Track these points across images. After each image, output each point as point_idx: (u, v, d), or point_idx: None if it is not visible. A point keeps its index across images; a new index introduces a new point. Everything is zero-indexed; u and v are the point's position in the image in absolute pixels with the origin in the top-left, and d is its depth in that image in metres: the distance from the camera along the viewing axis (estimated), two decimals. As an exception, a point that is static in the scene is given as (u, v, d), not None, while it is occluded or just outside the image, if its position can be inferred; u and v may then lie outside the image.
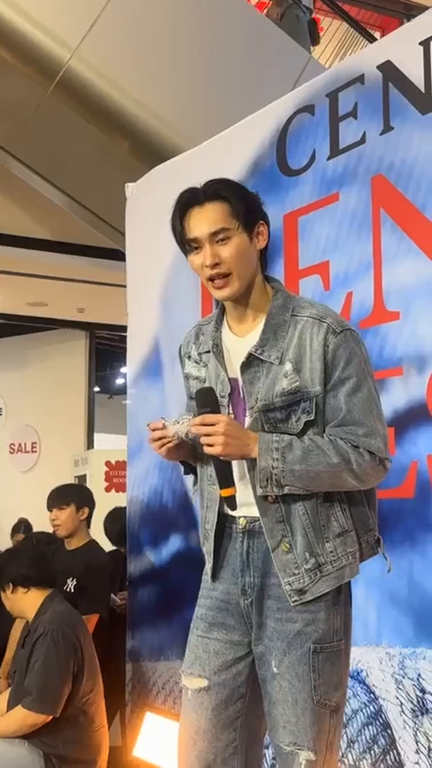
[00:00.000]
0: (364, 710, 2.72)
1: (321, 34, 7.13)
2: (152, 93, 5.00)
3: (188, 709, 2.11)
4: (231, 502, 2.02)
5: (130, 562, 3.86)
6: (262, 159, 3.27)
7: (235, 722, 2.08)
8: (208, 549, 2.13)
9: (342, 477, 1.99)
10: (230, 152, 3.40)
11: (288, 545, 2.01)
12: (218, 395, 2.07)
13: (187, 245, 2.08)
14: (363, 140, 2.88)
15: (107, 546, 4.67)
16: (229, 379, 2.09)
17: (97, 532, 4.61)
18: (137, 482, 3.82)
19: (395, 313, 2.73)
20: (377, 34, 8.18)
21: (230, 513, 2.08)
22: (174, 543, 3.59)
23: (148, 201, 3.79)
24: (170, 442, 2.06)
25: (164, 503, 3.66)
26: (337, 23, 7.93)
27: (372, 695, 2.70)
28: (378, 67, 2.82)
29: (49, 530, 4.56)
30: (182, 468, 2.26)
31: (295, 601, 1.99)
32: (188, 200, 2.06)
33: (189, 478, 2.29)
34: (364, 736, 2.71)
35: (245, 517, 2.07)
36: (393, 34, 3.26)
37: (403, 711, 2.60)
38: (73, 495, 4.31)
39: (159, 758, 3.35)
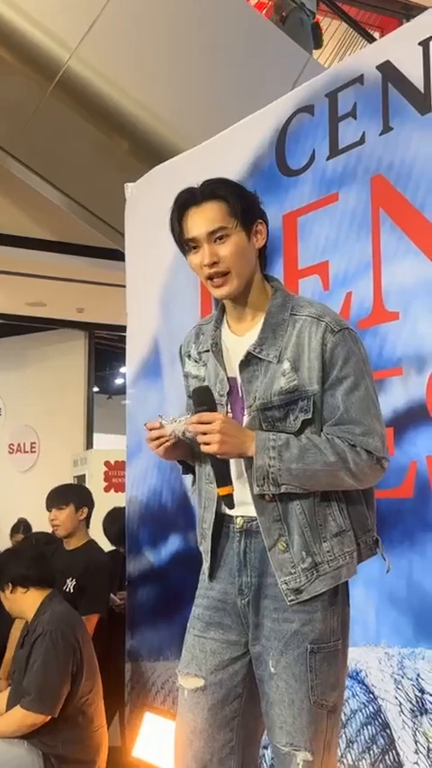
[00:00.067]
0: (363, 710, 2.72)
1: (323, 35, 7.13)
2: (152, 93, 5.00)
3: (184, 708, 2.10)
4: (229, 500, 2.02)
5: (129, 562, 3.86)
6: (261, 159, 3.27)
7: (231, 722, 2.07)
8: (205, 548, 2.13)
9: (339, 476, 1.98)
10: (230, 152, 3.40)
11: (285, 544, 2.01)
12: (217, 394, 2.08)
13: (186, 244, 2.08)
14: (362, 140, 2.88)
15: (106, 546, 4.68)
16: (227, 378, 2.09)
17: (96, 532, 4.61)
18: (136, 482, 3.82)
19: (394, 313, 2.73)
20: (376, 34, 8.17)
21: (228, 512, 2.08)
22: (173, 543, 3.59)
23: (148, 202, 3.79)
24: (167, 441, 2.06)
25: (163, 503, 3.66)
26: (336, 23, 7.93)
27: (371, 695, 2.70)
28: (377, 68, 2.82)
29: (49, 530, 4.56)
30: (180, 468, 2.26)
31: (291, 600, 1.99)
32: (186, 201, 2.07)
33: (188, 478, 2.29)
34: (363, 737, 2.71)
35: (242, 516, 2.07)
36: (393, 34, 3.26)
37: (402, 711, 2.60)
38: (72, 495, 4.31)
39: (159, 758, 3.35)
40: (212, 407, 2.02)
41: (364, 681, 2.72)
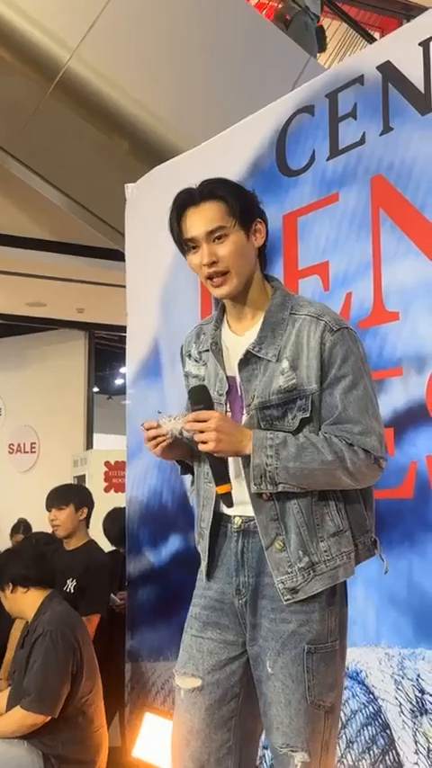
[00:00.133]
0: (363, 711, 2.72)
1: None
2: (152, 93, 5.00)
3: (181, 709, 2.10)
4: (228, 499, 2.02)
5: (129, 562, 3.86)
6: (261, 160, 3.27)
7: (229, 722, 2.07)
8: (203, 547, 2.13)
9: (336, 475, 1.98)
10: (230, 152, 3.40)
11: (282, 543, 2.00)
12: (216, 393, 2.08)
13: (185, 245, 2.09)
14: (362, 141, 2.88)
15: (106, 546, 4.67)
16: (227, 377, 2.09)
17: (96, 533, 4.60)
18: (136, 482, 3.82)
19: (395, 313, 2.73)
20: (377, 35, 8.17)
21: (226, 512, 2.08)
22: (173, 543, 3.59)
23: (148, 202, 3.79)
24: (164, 440, 2.06)
25: (163, 503, 3.66)
26: (336, 24, 7.93)
27: (371, 696, 2.70)
28: (378, 68, 2.82)
29: (49, 530, 4.56)
30: (179, 468, 2.26)
31: (288, 599, 1.99)
32: (184, 201, 2.07)
33: (187, 478, 2.29)
34: (363, 737, 2.71)
35: (240, 516, 2.06)
36: (393, 35, 3.26)
37: (402, 712, 2.60)
38: (72, 496, 4.31)
39: (159, 758, 3.35)
40: (209, 406, 2.02)
41: (365, 681, 2.72)
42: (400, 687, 2.62)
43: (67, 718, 3.23)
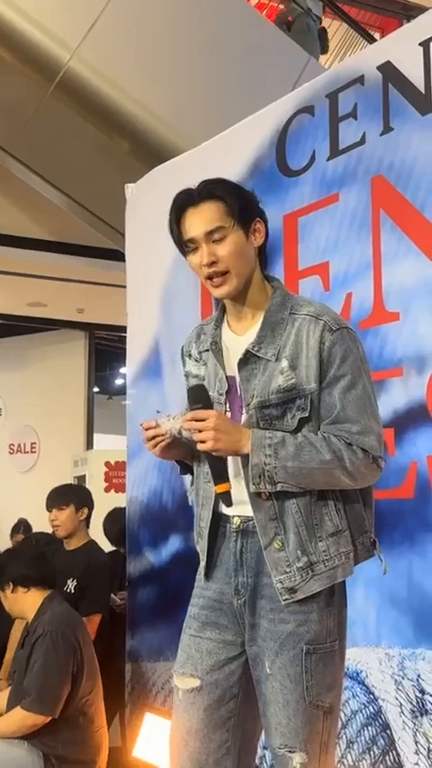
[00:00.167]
0: (363, 711, 2.72)
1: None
2: (152, 93, 5.00)
3: (179, 709, 2.10)
4: (227, 498, 2.02)
5: (129, 563, 3.86)
6: (262, 160, 3.27)
7: (227, 722, 2.06)
8: (202, 547, 2.13)
9: (335, 474, 1.98)
10: (230, 152, 3.40)
11: (280, 543, 2.00)
12: (216, 392, 2.08)
13: (185, 245, 2.09)
14: (362, 141, 2.88)
15: (107, 546, 4.67)
16: (226, 376, 2.10)
17: (96, 533, 4.60)
18: (136, 482, 3.82)
19: (395, 314, 2.73)
20: (377, 35, 8.18)
21: (225, 511, 2.08)
22: (173, 544, 3.59)
23: (148, 202, 3.79)
24: (163, 440, 2.06)
25: (163, 503, 3.66)
26: (336, 24, 7.93)
27: (371, 696, 2.70)
28: (378, 68, 2.82)
29: (49, 530, 4.56)
30: (178, 469, 2.26)
31: (286, 599, 1.98)
32: (183, 202, 2.07)
33: (187, 478, 2.29)
34: (363, 737, 2.71)
35: (239, 516, 2.06)
36: (393, 35, 3.26)
37: (403, 712, 2.60)
38: (72, 496, 4.31)
39: (159, 759, 3.35)
40: (207, 405, 2.03)
41: (365, 681, 2.72)
42: (400, 687, 2.62)
43: (68, 718, 3.23)
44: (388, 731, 2.63)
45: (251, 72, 5.17)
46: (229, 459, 2.04)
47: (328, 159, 3.00)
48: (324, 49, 6.78)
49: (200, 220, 2.04)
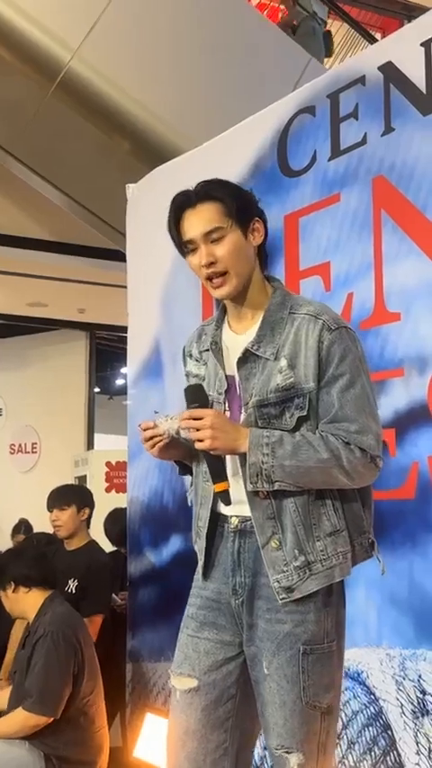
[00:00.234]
0: (364, 712, 2.72)
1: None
2: (152, 93, 5.00)
3: (177, 709, 2.09)
4: (225, 497, 2.02)
5: (130, 563, 3.86)
6: (263, 160, 3.27)
7: (225, 723, 2.06)
8: (200, 546, 2.13)
9: (333, 473, 1.97)
10: (231, 153, 3.40)
11: (278, 542, 2.00)
12: (215, 392, 2.09)
13: (184, 247, 2.09)
14: (364, 141, 2.88)
15: (107, 547, 4.67)
16: (226, 376, 2.10)
17: (97, 533, 4.60)
18: (137, 483, 3.82)
19: (396, 314, 2.73)
20: (378, 35, 8.18)
21: (223, 511, 2.08)
22: (174, 544, 3.59)
23: (149, 202, 3.79)
24: (161, 440, 2.06)
25: (164, 503, 3.66)
26: (337, 24, 7.93)
27: (372, 696, 2.70)
28: (379, 68, 2.82)
29: (50, 530, 4.56)
30: (177, 469, 2.26)
31: (283, 598, 1.98)
32: (181, 203, 2.08)
33: (187, 479, 2.29)
34: (364, 738, 2.71)
35: (237, 516, 2.06)
36: (394, 35, 3.26)
37: (404, 713, 2.60)
38: (73, 496, 4.31)
39: (159, 759, 3.35)
40: (204, 404, 2.03)
41: (366, 682, 2.72)
42: (401, 688, 2.62)
43: (69, 718, 3.23)
44: (389, 732, 2.63)
45: (252, 72, 5.17)
46: (228, 458, 2.04)
47: (329, 159, 3.00)
48: (329, 52, 6.82)
49: (198, 221, 2.05)
